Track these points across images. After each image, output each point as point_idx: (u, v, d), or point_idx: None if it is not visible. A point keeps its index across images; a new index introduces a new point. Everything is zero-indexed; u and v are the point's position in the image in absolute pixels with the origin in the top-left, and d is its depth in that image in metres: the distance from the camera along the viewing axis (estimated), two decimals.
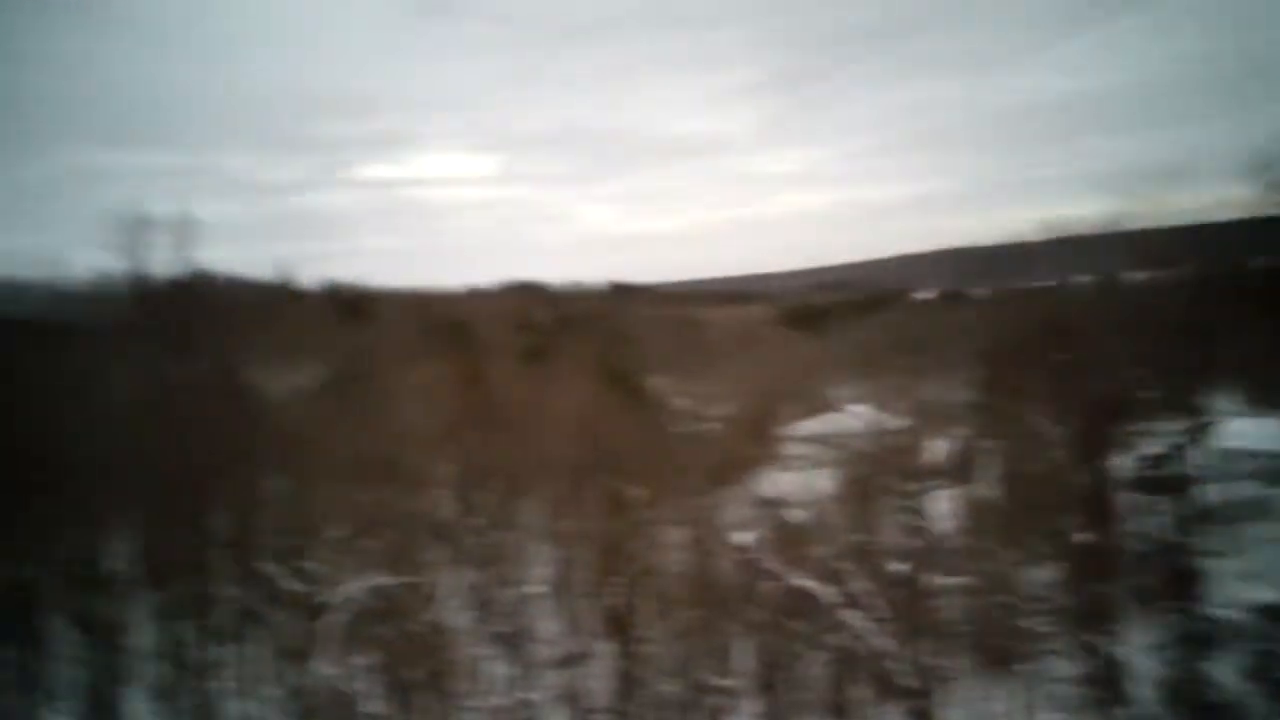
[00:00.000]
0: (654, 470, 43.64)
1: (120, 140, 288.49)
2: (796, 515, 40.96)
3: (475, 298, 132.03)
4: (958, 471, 47.99)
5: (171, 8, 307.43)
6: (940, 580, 32.39)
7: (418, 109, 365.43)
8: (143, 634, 40.17)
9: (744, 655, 34.08)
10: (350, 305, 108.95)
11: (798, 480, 50.51)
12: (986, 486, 44.11)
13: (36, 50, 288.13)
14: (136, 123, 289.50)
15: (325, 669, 33.80)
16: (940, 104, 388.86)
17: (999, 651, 33.30)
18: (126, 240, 53.95)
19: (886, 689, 30.96)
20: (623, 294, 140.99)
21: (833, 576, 31.05)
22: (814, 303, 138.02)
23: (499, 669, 37.19)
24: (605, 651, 37.00)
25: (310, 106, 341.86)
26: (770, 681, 33.11)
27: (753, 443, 67.21)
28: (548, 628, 38.89)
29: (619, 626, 36.92)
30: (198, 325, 79.81)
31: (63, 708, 37.65)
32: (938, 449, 59.01)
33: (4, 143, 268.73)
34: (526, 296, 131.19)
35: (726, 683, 32.54)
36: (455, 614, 37.63)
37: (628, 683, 35.26)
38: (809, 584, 29.94)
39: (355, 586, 33.27)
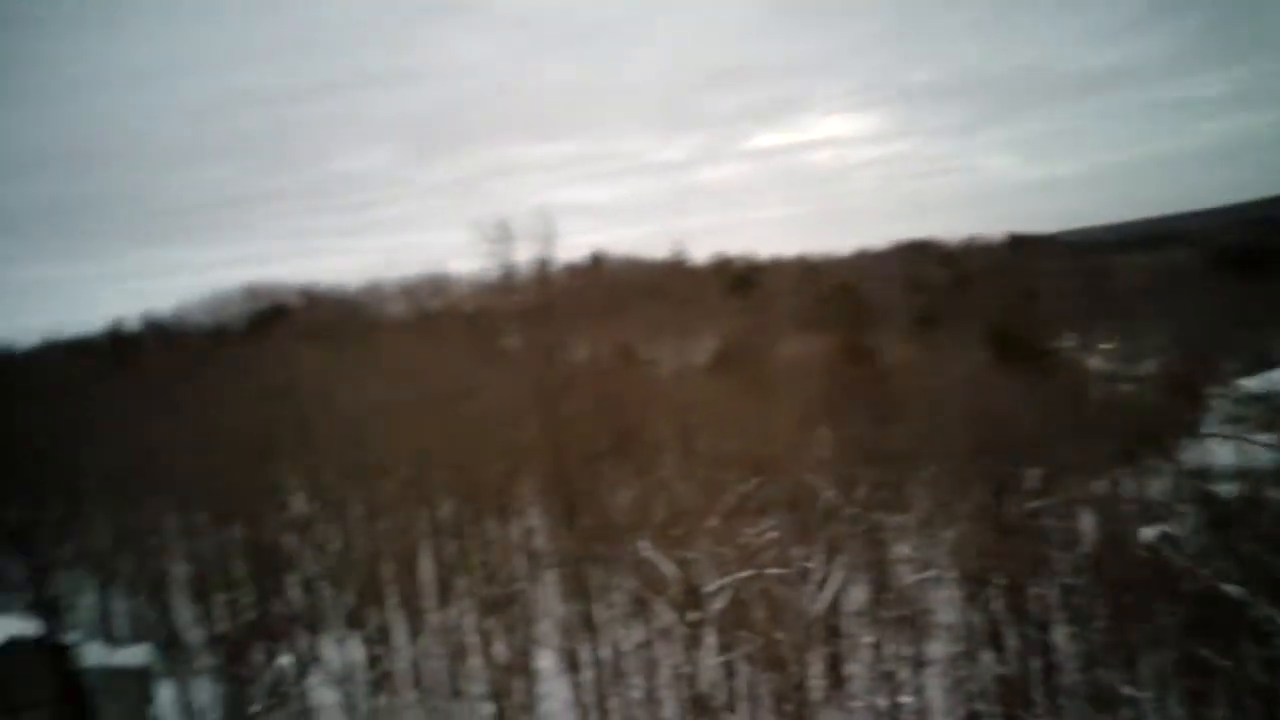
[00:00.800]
0: (1058, 443, 40.03)
1: (528, 135, 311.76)
2: (1228, 491, 36.00)
3: (865, 260, 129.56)
4: None
5: (559, 4, 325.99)
6: None
7: (805, 74, 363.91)
8: (551, 611, 42.30)
9: (1156, 660, 30.16)
10: (739, 277, 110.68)
11: (1232, 449, 44.61)
12: None
13: (448, 61, 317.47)
14: (542, 117, 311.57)
15: (708, 656, 33.91)
16: None
17: None
18: (523, 230, 56.99)
19: None
20: (1024, 246, 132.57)
21: (1264, 570, 26.57)
22: (1249, 242, 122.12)
23: (887, 657, 35.68)
24: (1000, 644, 34.39)
25: (701, 83, 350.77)
26: (1186, 691, 29.03)
27: (1177, 407, 60.46)
28: (938, 617, 36.74)
29: (1015, 619, 34.18)
30: (595, 307, 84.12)
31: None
32: None
33: (429, 147, 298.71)
34: (918, 255, 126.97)
35: (1133, 691, 28.90)
36: (841, 601, 36.54)
37: (1024, 679, 32.53)
38: (1232, 586, 25.68)
39: (736, 574, 32.99)
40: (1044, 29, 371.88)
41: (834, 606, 35.52)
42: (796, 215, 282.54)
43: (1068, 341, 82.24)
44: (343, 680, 35.91)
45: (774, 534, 35.68)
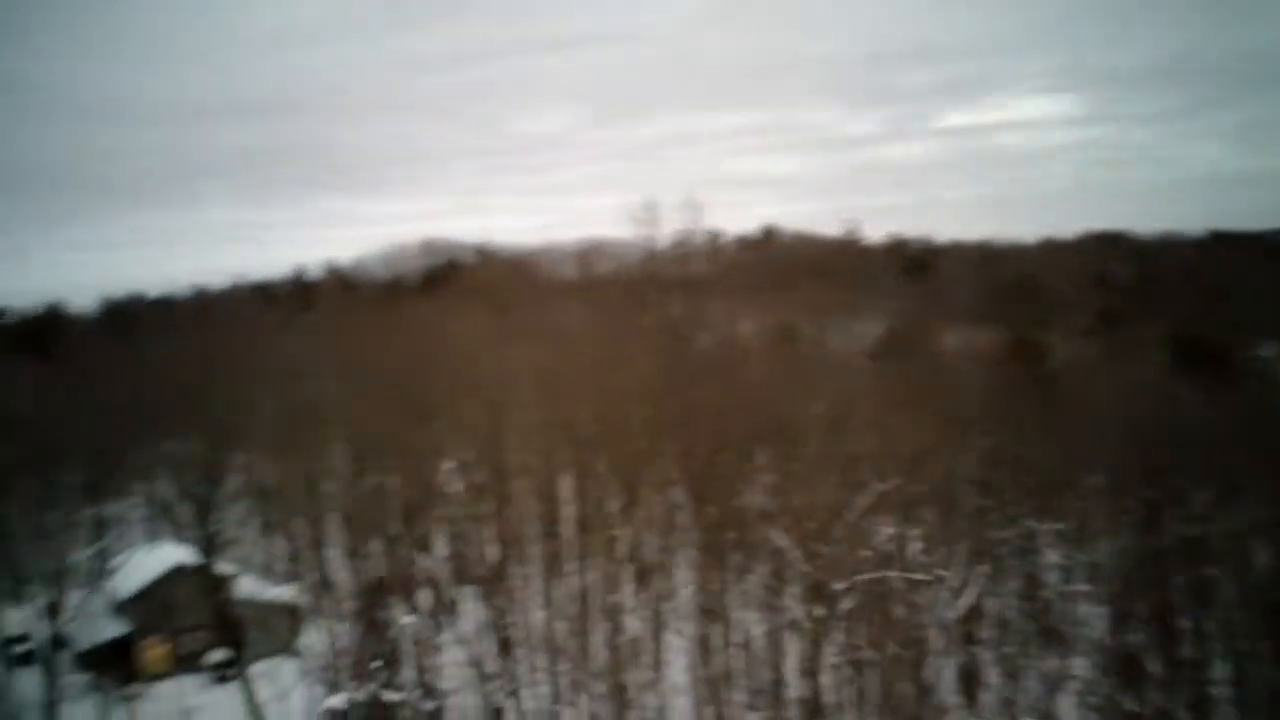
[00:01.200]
0: (1238, 461, 37.12)
1: (708, 103, 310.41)
2: None
3: (1050, 250, 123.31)
4: None
5: None
6: None
7: (1000, 53, 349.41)
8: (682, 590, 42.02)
9: None
10: (913, 260, 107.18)
11: None
12: None
13: (632, 25, 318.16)
14: (723, 86, 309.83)
15: (832, 654, 33.01)
16: None
17: None
18: (692, 200, 56.70)
19: None
20: (1225, 244, 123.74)
21: None
22: None
23: (1022, 671, 34.07)
24: (1145, 672, 32.27)
25: (893, 57, 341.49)
26: None
27: None
28: (1082, 633, 34.76)
29: (1165, 647, 32.03)
30: (762, 281, 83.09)
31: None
32: None
33: (608, 112, 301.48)
34: (1108, 248, 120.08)
35: None
36: (979, 609, 35.01)
37: (1168, 714, 30.42)
38: None
39: (868, 574, 31.92)
40: (1261, 12, 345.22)
41: (970, 614, 34.05)
42: (981, 198, 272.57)
43: (1266, 351, 76.59)
44: (472, 639, 36.62)
45: (913, 534, 34.46)
